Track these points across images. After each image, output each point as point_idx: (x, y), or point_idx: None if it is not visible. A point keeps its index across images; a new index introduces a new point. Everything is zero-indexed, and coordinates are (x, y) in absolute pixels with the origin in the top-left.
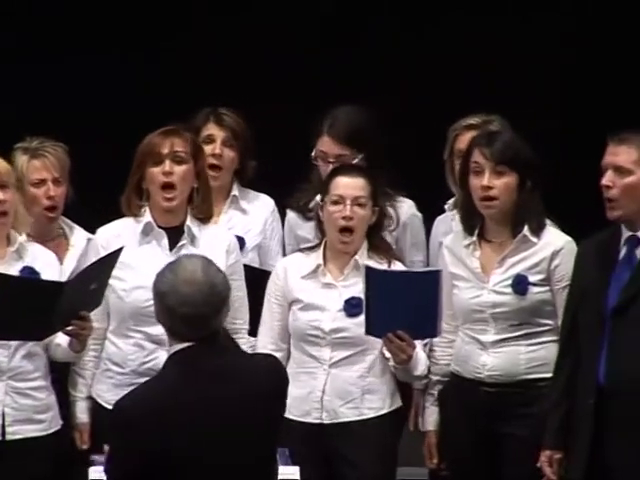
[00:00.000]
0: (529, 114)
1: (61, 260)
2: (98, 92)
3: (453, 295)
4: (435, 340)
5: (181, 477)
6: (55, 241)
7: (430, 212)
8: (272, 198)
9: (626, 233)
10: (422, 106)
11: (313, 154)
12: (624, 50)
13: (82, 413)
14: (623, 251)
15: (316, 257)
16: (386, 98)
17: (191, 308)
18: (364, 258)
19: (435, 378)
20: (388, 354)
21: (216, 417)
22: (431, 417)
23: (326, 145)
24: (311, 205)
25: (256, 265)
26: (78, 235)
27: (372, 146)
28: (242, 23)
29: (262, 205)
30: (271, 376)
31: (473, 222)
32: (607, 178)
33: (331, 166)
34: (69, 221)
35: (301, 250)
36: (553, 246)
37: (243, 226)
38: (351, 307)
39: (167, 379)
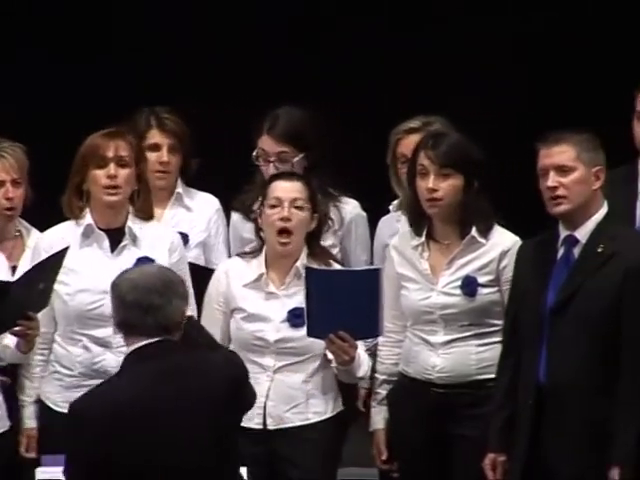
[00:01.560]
0: (479, 114)
1: (17, 261)
2: (53, 92)
3: (401, 296)
4: (381, 340)
5: (138, 478)
6: (12, 242)
7: (376, 213)
8: (224, 198)
9: (564, 233)
10: (370, 107)
11: (254, 154)
12: (570, 55)
13: (29, 418)
14: (561, 251)
15: (258, 265)
16: (333, 100)
17: (141, 294)
18: (304, 264)
19: (381, 378)
20: (330, 355)
21: (172, 417)
22: (378, 416)
23: (266, 144)
24: (255, 207)
25: (201, 263)
26: (34, 237)
27: (313, 146)
28: (185, 22)
29: (206, 203)
30: (230, 372)
31: (421, 223)
32: (552, 180)
33: (272, 165)
34: (26, 223)
35: (240, 255)
36: (501, 247)
37: (187, 223)
38: (295, 317)
39: (123, 380)
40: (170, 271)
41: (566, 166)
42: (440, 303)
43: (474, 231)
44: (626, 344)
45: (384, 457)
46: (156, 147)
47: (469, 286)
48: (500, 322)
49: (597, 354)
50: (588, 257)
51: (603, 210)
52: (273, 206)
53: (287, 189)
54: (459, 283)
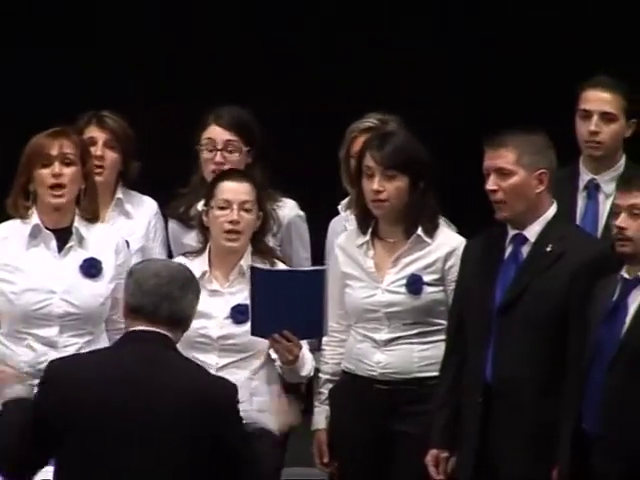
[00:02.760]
0: (428, 114)
1: None
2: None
3: (345, 294)
4: (325, 339)
5: (79, 445)
6: None
7: (324, 213)
8: (161, 199)
9: (512, 231)
10: (315, 107)
11: (201, 144)
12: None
13: None
14: (509, 249)
15: (201, 263)
16: (275, 98)
17: (163, 282)
18: (248, 262)
19: (325, 377)
20: (274, 354)
21: (133, 404)
22: (320, 416)
23: (214, 132)
24: (192, 213)
25: None
26: None
27: (257, 142)
28: (134, 22)
29: (145, 208)
30: (212, 396)
31: (367, 222)
32: (491, 182)
33: (219, 154)
34: None
35: (184, 255)
36: (447, 247)
37: (127, 229)
38: (238, 314)
39: (107, 353)
40: (188, 269)
41: (505, 169)
42: (385, 301)
43: (420, 230)
44: (572, 344)
45: (325, 459)
46: (92, 141)
47: (414, 284)
48: (443, 321)
49: (544, 354)
50: (537, 256)
51: (552, 210)
52: (221, 208)
53: (236, 191)
54: (404, 281)
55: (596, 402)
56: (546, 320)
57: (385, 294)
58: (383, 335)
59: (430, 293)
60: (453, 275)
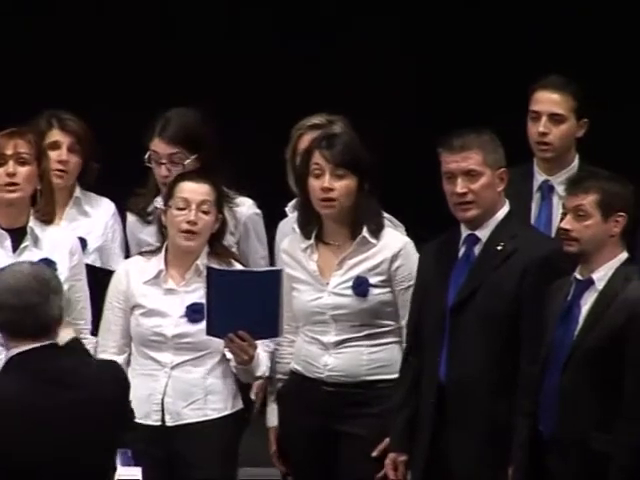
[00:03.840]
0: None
1: None
2: None
3: (293, 297)
4: (278, 340)
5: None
6: None
7: (274, 213)
8: (119, 200)
9: (465, 232)
10: (264, 106)
11: (146, 156)
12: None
13: None
14: (462, 250)
15: (158, 262)
16: (226, 98)
17: (18, 295)
18: (205, 262)
19: (277, 377)
20: (229, 355)
21: (55, 422)
22: (273, 415)
23: (158, 146)
24: (149, 209)
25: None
26: None
27: (205, 146)
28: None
29: (103, 209)
30: (113, 383)
31: (310, 226)
32: (461, 185)
33: (164, 167)
34: None
35: (141, 254)
36: (393, 248)
37: (85, 228)
38: (193, 313)
39: (5, 383)
40: (40, 266)
41: (474, 171)
42: (331, 304)
43: (365, 231)
44: (525, 343)
45: (276, 455)
46: (56, 145)
47: (360, 286)
48: (392, 323)
49: (497, 352)
50: (488, 255)
51: (505, 209)
52: (180, 208)
53: (195, 191)
54: (350, 284)
55: (551, 403)
56: (498, 318)
57: (331, 297)
58: (331, 338)
59: (377, 295)
60: (400, 276)
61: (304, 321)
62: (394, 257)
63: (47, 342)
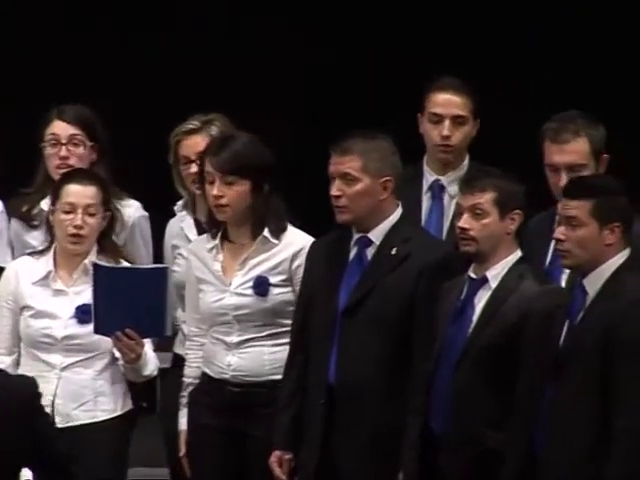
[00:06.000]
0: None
1: None
2: None
3: (199, 299)
4: (187, 344)
5: None
6: None
7: (162, 213)
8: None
9: (356, 234)
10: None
11: (44, 140)
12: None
13: None
14: (354, 251)
15: (46, 263)
16: (115, 99)
17: None
18: (92, 260)
19: (187, 381)
20: (118, 353)
21: None
22: (183, 418)
23: (58, 127)
24: (35, 211)
25: None
26: None
27: (101, 138)
28: None
29: None
30: (22, 396)
31: (216, 226)
32: (336, 188)
33: (64, 148)
34: None
35: (30, 254)
36: (294, 247)
37: None
38: (82, 314)
39: None
40: None
41: (350, 175)
42: (233, 304)
43: (266, 231)
44: (417, 346)
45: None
46: None
47: (260, 286)
48: None
49: (388, 356)
50: (381, 259)
51: (398, 212)
52: (66, 212)
53: (81, 194)
54: (251, 284)
55: (443, 401)
56: (391, 322)
57: (233, 297)
58: (234, 338)
59: (277, 294)
60: (300, 275)
61: (210, 322)
62: (294, 256)
63: None
